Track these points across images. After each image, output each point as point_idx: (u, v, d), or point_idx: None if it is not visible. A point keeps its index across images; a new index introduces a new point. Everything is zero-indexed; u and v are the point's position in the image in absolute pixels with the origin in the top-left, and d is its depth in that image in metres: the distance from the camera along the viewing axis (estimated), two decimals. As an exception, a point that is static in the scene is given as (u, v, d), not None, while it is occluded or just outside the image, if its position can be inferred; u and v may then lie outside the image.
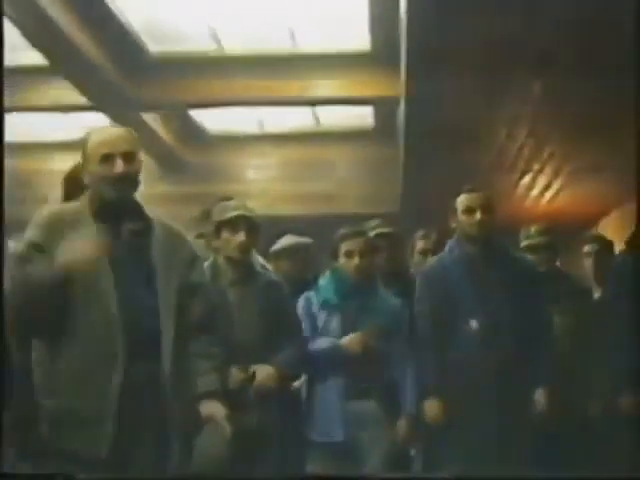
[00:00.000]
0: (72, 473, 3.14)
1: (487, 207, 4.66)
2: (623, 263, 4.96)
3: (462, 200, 4.68)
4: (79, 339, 3.24)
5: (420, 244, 5.75)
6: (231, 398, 3.80)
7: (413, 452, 5.03)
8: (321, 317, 4.60)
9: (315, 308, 4.61)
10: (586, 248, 5.90)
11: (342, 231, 4.66)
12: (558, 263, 5.66)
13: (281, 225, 5.62)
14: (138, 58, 9.05)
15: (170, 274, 3.42)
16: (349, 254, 4.59)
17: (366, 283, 4.64)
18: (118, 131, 3.50)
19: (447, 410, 4.50)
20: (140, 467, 3.28)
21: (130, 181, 3.40)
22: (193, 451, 3.32)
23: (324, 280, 4.73)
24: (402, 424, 4.54)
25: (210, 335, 3.52)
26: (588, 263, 5.86)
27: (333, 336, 4.55)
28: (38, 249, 3.27)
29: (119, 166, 3.35)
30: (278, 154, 12.36)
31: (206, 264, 4.24)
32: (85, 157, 3.42)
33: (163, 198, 9.68)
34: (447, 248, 4.80)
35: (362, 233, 4.72)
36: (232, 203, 4.44)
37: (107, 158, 3.35)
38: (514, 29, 6.37)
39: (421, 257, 5.65)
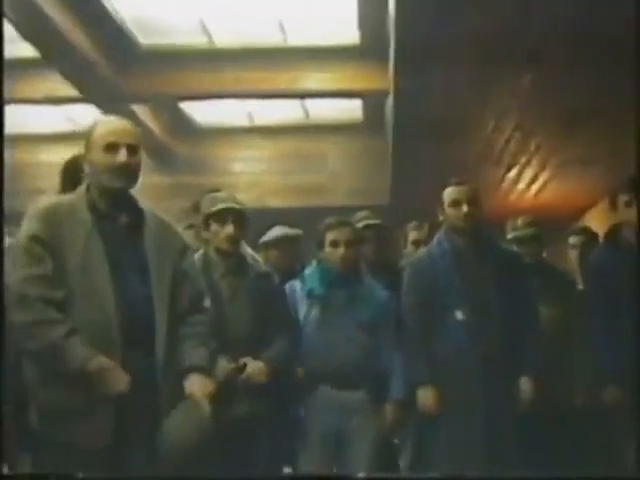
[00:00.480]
0: (70, 466, 3.16)
1: (473, 200, 4.70)
2: (600, 255, 5.01)
3: (449, 193, 4.72)
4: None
5: (413, 235, 5.79)
6: (221, 388, 3.86)
7: (396, 441, 5.08)
8: (303, 307, 4.61)
9: (298, 297, 4.63)
10: (571, 240, 5.94)
11: (327, 221, 4.67)
12: (544, 255, 5.70)
13: (271, 217, 5.65)
14: (129, 51, 9.04)
15: (163, 265, 3.46)
16: (334, 244, 4.59)
17: (352, 273, 4.65)
18: (125, 124, 3.53)
19: (440, 399, 4.55)
20: (138, 457, 3.30)
21: (131, 173, 3.44)
22: (164, 428, 3.28)
23: (310, 270, 4.74)
24: (389, 409, 4.57)
25: (200, 315, 3.56)
26: (573, 255, 5.90)
27: (314, 326, 4.57)
28: (39, 242, 3.29)
29: (123, 155, 3.38)
30: (268, 147, 12.34)
31: (197, 255, 4.28)
32: (89, 145, 3.44)
33: (153, 189, 9.70)
34: (435, 240, 4.83)
35: (348, 223, 4.72)
36: (220, 195, 4.47)
37: (112, 147, 3.38)
38: (503, 24, 6.40)
39: (414, 248, 5.69)
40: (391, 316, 4.68)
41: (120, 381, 3.22)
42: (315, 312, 4.59)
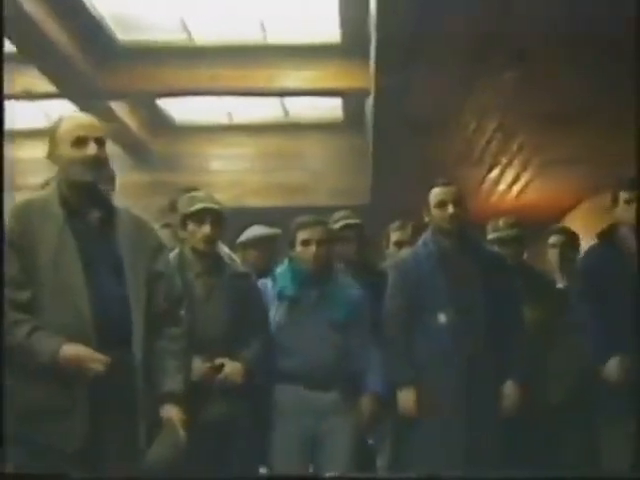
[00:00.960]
0: (48, 467, 3.16)
1: (459, 200, 4.68)
2: (595, 254, 4.98)
3: (435, 194, 4.70)
4: (49, 330, 3.23)
5: (395, 235, 5.73)
6: (197, 389, 3.82)
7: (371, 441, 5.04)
8: (274, 306, 4.55)
9: (270, 296, 4.57)
10: (551, 239, 5.92)
11: (299, 220, 4.61)
12: (525, 256, 5.68)
13: (251, 216, 5.61)
14: (107, 47, 8.98)
15: (137, 264, 3.44)
16: (306, 243, 4.54)
17: (324, 272, 4.59)
18: (91, 118, 3.55)
19: (421, 401, 4.52)
20: (112, 458, 3.29)
21: (101, 166, 3.44)
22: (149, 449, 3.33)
23: (281, 269, 4.69)
24: (365, 402, 4.52)
25: (176, 328, 3.54)
26: (553, 255, 5.88)
27: (285, 325, 4.50)
28: (8, 242, 3.26)
29: (92, 149, 3.38)
30: (248, 145, 12.30)
31: (173, 254, 4.25)
32: (55, 141, 3.44)
33: (133, 187, 9.64)
34: (421, 242, 4.80)
35: (320, 222, 4.64)
36: (198, 195, 4.44)
37: (81, 141, 3.39)
38: (485, 23, 6.39)
39: (396, 249, 5.64)
40: (365, 315, 4.63)
41: (96, 362, 3.22)
42: (286, 311, 4.53)
